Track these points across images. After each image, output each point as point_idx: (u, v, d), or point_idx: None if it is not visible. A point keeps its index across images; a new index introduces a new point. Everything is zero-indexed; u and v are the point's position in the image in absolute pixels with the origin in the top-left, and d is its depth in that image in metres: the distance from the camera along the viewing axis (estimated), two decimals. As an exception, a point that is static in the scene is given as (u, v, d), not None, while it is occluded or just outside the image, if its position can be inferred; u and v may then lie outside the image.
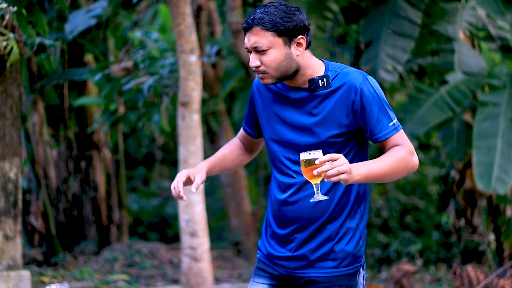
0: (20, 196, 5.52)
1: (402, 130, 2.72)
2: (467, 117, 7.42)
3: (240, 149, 3.02)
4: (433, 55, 7.77)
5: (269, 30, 2.65)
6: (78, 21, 7.46)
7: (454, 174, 8.13)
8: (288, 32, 2.68)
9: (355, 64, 9.33)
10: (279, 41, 2.67)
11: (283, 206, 2.78)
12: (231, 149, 3.01)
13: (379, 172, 2.63)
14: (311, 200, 2.61)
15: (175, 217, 11.05)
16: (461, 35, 7.07)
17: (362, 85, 2.69)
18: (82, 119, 9.16)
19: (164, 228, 11.63)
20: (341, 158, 2.50)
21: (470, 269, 6.51)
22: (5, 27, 5.34)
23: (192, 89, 5.87)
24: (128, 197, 11.14)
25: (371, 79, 2.72)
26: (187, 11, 5.84)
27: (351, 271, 2.77)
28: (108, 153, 9.36)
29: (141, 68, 7.64)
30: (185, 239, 5.87)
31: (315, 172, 2.50)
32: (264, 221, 2.92)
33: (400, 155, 2.67)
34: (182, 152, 5.89)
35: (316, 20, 8.57)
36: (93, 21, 7.54)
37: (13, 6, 4.88)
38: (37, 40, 6.25)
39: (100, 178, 9.25)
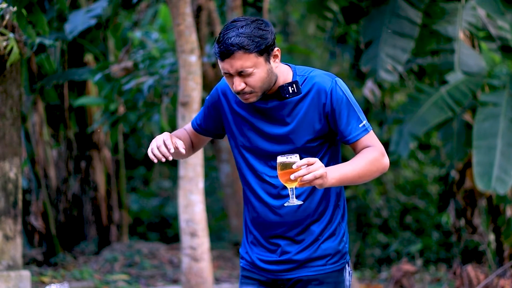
0: (20, 196, 5.52)
1: (372, 131, 2.75)
2: (467, 117, 7.42)
3: (188, 142, 2.97)
4: (433, 55, 7.77)
5: (251, 52, 2.63)
6: (78, 21, 7.46)
7: (454, 174, 8.13)
8: (267, 49, 2.66)
9: (355, 64, 9.33)
10: (261, 59, 2.65)
11: (265, 213, 2.80)
12: (184, 137, 2.94)
13: (353, 174, 2.66)
14: (285, 204, 2.63)
15: (175, 217, 11.06)
16: (461, 35, 7.07)
17: (332, 88, 2.71)
18: (82, 119, 9.16)
19: (164, 228, 11.63)
20: (317, 163, 2.52)
21: (470, 269, 6.51)
22: (5, 27, 5.34)
23: (192, 89, 5.87)
24: (128, 197, 11.14)
25: (340, 81, 2.74)
26: (187, 11, 5.84)
27: (338, 268, 2.82)
28: (108, 153, 9.36)
29: (141, 68, 7.64)
30: (185, 239, 5.87)
31: (292, 176, 2.51)
32: (243, 228, 2.92)
33: (371, 156, 2.70)
34: (182, 152, 5.89)
35: (316, 20, 8.58)
36: (93, 21, 7.54)
37: (13, 6, 4.88)
38: (37, 40, 6.25)
39: (100, 178, 9.25)
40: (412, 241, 10.15)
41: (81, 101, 8.66)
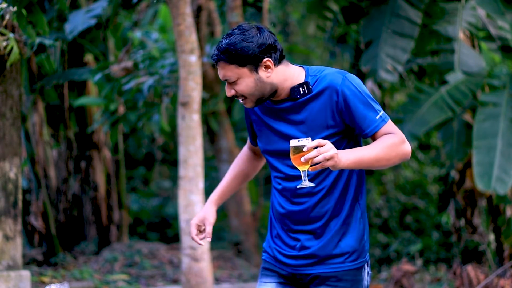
0: (20, 196, 5.52)
1: (390, 121, 2.77)
2: (467, 117, 7.42)
3: (250, 159, 3.12)
4: (433, 55, 7.77)
5: (232, 64, 2.71)
6: (78, 21, 7.46)
7: (454, 174, 8.13)
8: (250, 60, 2.71)
9: (355, 64, 9.33)
10: (244, 70, 2.72)
11: (287, 208, 2.86)
12: (239, 165, 3.12)
13: (370, 158, 2.65)
14: (298, 187, 2.66)
15: (175, 217, 11.06)
16: (461, 35, 7.07)
17: (342, 85, 2.73)
18: (82, 119, 9.16)
19: (164, 228, 11.63)
20: (327, 144, 2.54)
21: (470, 269, 6.51)
22: (5, 27, 5.34)
23: (192, 89, 5.87)
24: (128, 197, 11.14)
25: (351, 76, 2.76)
26: (187, 11, 5.84)
27: (357, 266, 2.83)
28: (108, 153, 9.36)
29: (141, 68, 7.64)
30: (185, 239, 5.87)
31: (302, 159, 2.54)
32: (268, 222, 2.99)
33: (390, 141, 2.72)
34: (182, 152, 5.89)
35: (316, 20, 8.58)
36: (93, 21, 7.54)
37: (13, 6, 4.88)
38: (37, 40, 6.25)
39: (100, 178, 9.25)
40: (412, 241, 10.14)
41: (81, 101, 8.66)
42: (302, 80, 2.78)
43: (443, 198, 9.06)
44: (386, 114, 2.77)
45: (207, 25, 8.76)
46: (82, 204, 9.28)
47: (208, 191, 9.68)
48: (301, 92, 2.75)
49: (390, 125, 2.76)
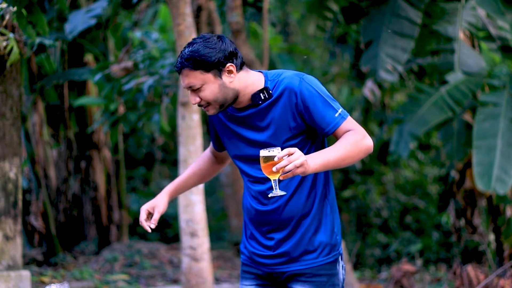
0: (20, 196, 5.52)
1: (350, 117, 2.83)
2: (467, 117, 7.42)
3: (211, 162, 3.21)
4: (433, 55, 7.77)
5: (197, 70, 2.79)
6: (78, 21, 7.46)
7: (454, 174, 8.13)
8: (215, 66, 2.80)
9: (355, 64, 9.33)
10: (209, 76, 2.80)
11: (259, 210, 2.94)
12: (199, 165, 3.20)
13: (336, 158, 2.72)
14: (269, 195, 2.74)
15: (175, 217, 11.05)
16: (461, 35, 7.07)
17: (300, 86, 2.81)
18: (82, 119, 9.16)
19: (164, 228, 11.63)
20: (296, 152, 2.61)
21: (470, 269, 6.51)
22: (5, 27, 5.34)
23: (192, 89, 5.86)
24: (128, 197, 11.14)
25: (308, 77, 2.84)
26: (187, 11, 5.84)
27: (331, 260, 2.92)
28: (108, 153, 9.36)
29: (141, 68, 7.64)
30: (185, 239, 5.87)
31: (274, 168, 2.61)
32: (243, 224, 3.08)
33: (352, 139, 2.76)
34: (182, 152, 5.89)
35: (316, 20, 8.58)
36: (93, 21, 7.53)
37: (13, 6, 4.88)
38: (37, 40, 6.25)
39: (100, 178, 9.26)
40: (412, 241, 10.14)
41: (81, 101, 8.66)
42: (262, 86, 2.86)
43: (443, 198, 9.06)
44: (345, 111, 2.83)
45: (207, 25, 8.76)
46: (82, 204, 9.28)
47: (208, 191, 9.73)
48: (262, 98, 2.83)
49: (349, 122, 2.81)
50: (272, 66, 9.31)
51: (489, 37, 7.31)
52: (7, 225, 5.43)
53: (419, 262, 9.24)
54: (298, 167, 2.60)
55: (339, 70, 11.79)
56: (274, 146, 2.82)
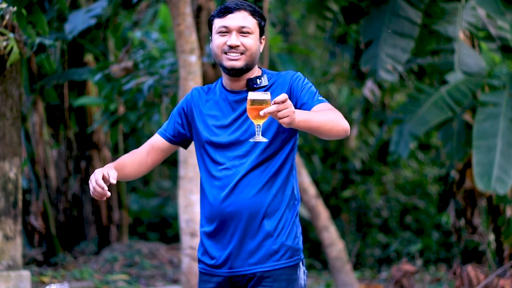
0: (20, 196, 5.52)
1: (328, 103, 2.89)
2: (467, 117, 7.42)
3: (140, 161, 3.00)
4: (433, 55, 7.76)
5: (255, 18, 2.87)
6: (78, 21, 7.46)
7: (454, 174, 8.13)
8: (262, 28, 2.92)
9: (355, 64, 9.33)
10: (257, 31, 2.89)
11: (223, 202, 2.87)
12: (132, 159, 2.99)
13: (318, 121, 2.72)
14: (250, 140, 2.74)
15: (175, 217, 11.06)
16: (461, 35, 7.06)
17: (295, 74, 2.92)
18: (82, 119, 9.16)
19: (164, 228, 11.63)
20: (288, 101, 2.59)
21: (470, 269, 6.51)
22: (5, 27, 5.34)
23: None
24: (128, 197, 11.14)
25: (302, 75, 2.96)
26: (187, 11, 5.84)
27: (292, 264, 2.88)
28: (108, 153, 9.36)
29: (141, 68, 7.64)
30: (185, 239, 5.87)
31: (261, 112, 2.59)
32: (200, 229, 2.99)
33: (333, 114, 2.79)
34: (182, 152, 5.89)
35: (316, 20, 8.58)
36: (93, 21, 7.53)
37: (13, 6, 4.88)
38: (37, 40, 6.25)
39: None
40: (412, 241, 10.15)
41: (81, 101, 8.66)
42: (257, 74, 2.93)
43: (443, 198, 9.06)
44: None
45: (207, 25, 8.76)
46: (82, 204, 9.28)
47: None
48: (258, 82, 2.88)
49: (330, 105, 2.87)
50: (272, 66, 9.31)
51: (489, 37, 7.31)
52: (7, 225, 5.43)
53: (419, 262, 9.24)
54: (286, 116, 2.58)
55: (339, 70, 11.79)
56: (254, 132, 2.80)
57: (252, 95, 2.65)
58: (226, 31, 2.86)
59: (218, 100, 2.95)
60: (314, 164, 11.39)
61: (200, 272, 2.98)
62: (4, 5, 5.03)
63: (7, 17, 5.24)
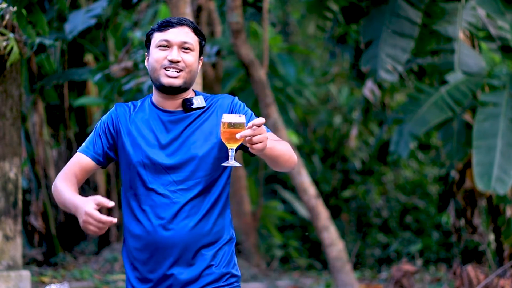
0: (20, 196, 5.52)
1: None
2: (467, 117, 7.42)
3: (77, 187, 2.77)
4: (433, 55, 7.77)
5: (196, 36, 2.75)
6: (78, 21, 7.46)
7: (454, 174, 8.13)
8: (202, 48, 2.79)
9: (355, 64, 9.33)
10: (198, 49, 2.76)
11: (159, 232, 2.69)
12: (75, 187, 2.74)
13: (279, 150, 2.63)
14: (222, 164, 2.60)
15: (175, 217, 11.05)
16: (461, 35, 7.07)
17: (233, 100, 2.78)
18: (82, 119, 9.16)
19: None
20: (262, 127, 2.50)
21: (470, 269, 6.51)
22: (5, 27, 5.34)
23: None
24: (128, 197, 11.12)
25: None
26: (187, 11, 5.84)
27: (234, 286, 2.77)
28: (108, 153, 9.35)
29: (141, 68, 7.63)
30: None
31: (238, 135, 2.47)
32: (126, 263, 2.79)
33: (287, 145, 2.71)
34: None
35: (316, 20, 8.58)
36: (93, 21, 7.53)
37: (13, 6, 4.88)
38: (37, 40, 6.25)
39: (100, 178, 9.25)
40: (412, 241, 10.15)
41: (81, 101, 8.66)
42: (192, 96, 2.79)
43: (443, 198, 9.06)
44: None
45: (207, 25, 8.77)
46: (82, 204, 9.27)
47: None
48: (195, 104, 2.73)
49: (274, 135, 2.73)
50: (272, 66, 9.31)
51: (489, 37, 7.31)
52: (7, 225, 5.43)
53: (419, 262, 9.24)
54: (260, 142, 2.48)
55: (339, 70, 11.79)
56: (195, 156, 2.69)
57: (227, 118, 2.52)
58: (167, 45, 2.70)
59: (149, 118, 2.74)
60: (314, 164, 11.39)
61: None
62: (4, 5, 5.03)
63: (7, 17, 5.24)
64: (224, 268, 2.74)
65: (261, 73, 7.47)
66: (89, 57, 9.01)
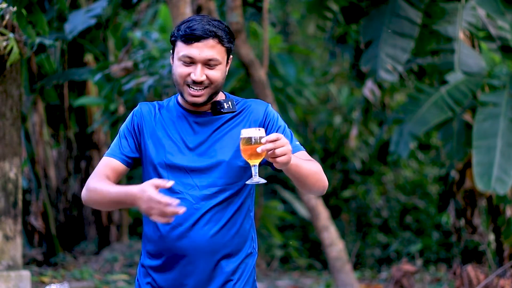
0: (20, 196, 5.52)
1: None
2: (467, 117, 7.42)
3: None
4: (433, 55, 7.77)
5: (224, 46, 2.54)
6: (78, 21, 7.46)
7: (454, 174, 8.13)
8: (231, 51, 2.60)
9: (355, 64, 9.33)
10: (225, 58, 2.57)
11: (178, 238, 2.55)
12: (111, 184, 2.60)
13: (307, 170, 2.48)
14: (247, 182, 2.44)
15: (175, 217, 11.05)
16: (461, 35, 7.07)
17: (267, 109, 2.63)
18: (82, 119, 9.16)
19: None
20: (283, 138, 2.35)
21: (470, 269, 6.51)
22: (5, 27, 5.34)
23: (192, 89, 5.86)
24: (128, 197, 11.12)
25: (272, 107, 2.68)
26: (187, 11, 5.84)
27: None
28: (108, 153, 9.36)
29: (141, 68, 7.64)
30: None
31: (259, 149, 2.32)
32: (140, 270, 2.67)
33: (318, 166, 2.55)
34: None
35: (316, 20, 8.58)
36: (93, 21, 7.54)
37: (13, 6, 4.88)
38: (37, 40, 6.24)
39: (100, 178, 9.25)
40: (412, 241, 10.15)
41: (81, 101, 8.66)
42: (222, 98, 2.63)
43: (443, 198, 9.06)
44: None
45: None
46: (82, 204, 9.28)
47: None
48: (225, 107, 2.58)
49: (307, 154, 2.60)
50: (272, 66, 9.31)
51: (489, 37, 7.31)
52: (7, 225, 5.43)
53: (419, 262, 9.24)
54: (284, 155, 2.32)
55: (339, 70, 11.79)
56: (220, 161, 2.55)
57: (246, 132, 2.38)
58: (191, 61, 2.52)
59: (175, 119, 2.61)
60: (314, 164, 11.38)
61: None
62: (4, 5, 5.03)
63: (7, 17, 5.24)
64: (244, 285, 2.61)
65: (261, 73, 7.47)
66: (89, 57, 9.02)
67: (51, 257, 8.53)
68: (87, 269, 7.84)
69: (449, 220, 8.96)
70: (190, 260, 2.56)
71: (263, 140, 2.33)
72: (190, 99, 2.54)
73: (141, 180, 2.67)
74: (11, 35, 5.30)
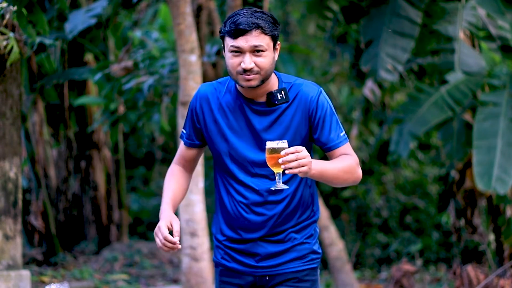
0: (20, 196, 5.51)
1: (349, 142, 2.86)
2: (467, 117, 7.42)
3: (184, 176, 2.99)
4: (433, 55, 7.77)
5: (267, 34, 2.77)
6: (78, 21, 7.46)
7: (454, 174, 8.13)
8: (276, 37, 2.83)
9: (355, 64, 9.33)
10: (271, 45, 2.79)
11: (246, 218, 2.85)
12: (180, 184, 2.95)
13: (332, 173, 2.74)
14: (272, 188, 2.71)
15: (175, 217, 11.04)
16: (461, 34, 7.06)
17: (318, 96, 2.82)
18: (82, 119, 9.16)
19: (164, 228, 11.61)
20: (304, 151, 2.59)
21: (470, 269, 6.51)
22: (5, 26, 5.33)
23: (192, 88, 5.86)
24: (128, 197, 11.14)
25: (324, 91, 2.86)
26: (187, 10, 5.84)
27: (314, 265, 2.92)
28: (108, 153, 9.36)
29: (141, 67, 7.64)
30: (185, 239, 5.86)
31: (280, 160, 2.57)
32: (215, 234, 2.96)
33: (349, 163, 2.79)
34: (182, 151, 5.89)
35: (316, 20, 8.58)
36: (93, 21, 7.54)
37: (13, 6, 4.88)
38: (37, 39, 6.24)
39: (100, 177, 9.25)
40: (412, 241, 10.14)
41: (81, 100, 8.66)
42: (276, 84, 2.83)
43: (443, 198, 9.06)
44: (346, 135, 2.87)
45: (207, 24, 8.76)
46: (82, 204, 9.28)
47: (208, 191, 9.78)
48: (279, 98, 2.80)
49: (349, 146, 2.84)
50: (272, 66, 9.29)
51: (489, 37, 7.31)
52: (7, 225, 5.43)
53: (419, 262, 9.24)
54: (302, 166, 2.58)
55: (339, 70, 11.78)
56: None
57: (270, 144, 2.63)
58: (239, 51, 2.74)
59: (236, 106, 2.85)
60: (314, 164, 11.38)
61: (219, 273, 2.95)
62: (4, 4, 5.03)
63: (7, 16, 5.24)
64: (308, 244, 2.89)
65: (261, 72, 7.46)
66: (89, 57, 9.02)
67: (51, 257, 8.53)
68: (87, 269, 7.84)
69: (449, 220, 8.96)
70: (262, 231, 2.86)
71: (282, 153, 2.58)
72: (244, 83, 2.75)
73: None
74: (11, 34, 5.30)
